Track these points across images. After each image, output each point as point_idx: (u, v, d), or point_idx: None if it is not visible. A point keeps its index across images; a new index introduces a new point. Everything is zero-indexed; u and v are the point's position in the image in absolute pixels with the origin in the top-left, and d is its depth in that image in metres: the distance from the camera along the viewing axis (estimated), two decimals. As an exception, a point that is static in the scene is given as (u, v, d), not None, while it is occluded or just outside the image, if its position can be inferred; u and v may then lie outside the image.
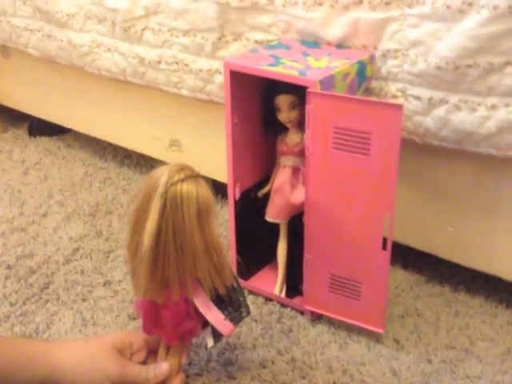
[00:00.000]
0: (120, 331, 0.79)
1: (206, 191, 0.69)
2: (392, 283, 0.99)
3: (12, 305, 0.95)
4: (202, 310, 0.74)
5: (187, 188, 0.67)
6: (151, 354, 0.79)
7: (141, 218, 0.68)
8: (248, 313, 0.78)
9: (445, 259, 0.96)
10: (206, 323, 0.77)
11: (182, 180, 0.67)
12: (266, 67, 0.82)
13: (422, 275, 1.02)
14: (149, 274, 0.69)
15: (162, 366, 0.76)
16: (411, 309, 0.94)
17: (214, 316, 0.75)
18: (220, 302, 0.76)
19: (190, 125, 1.19)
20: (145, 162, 1.43)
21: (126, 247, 0.72)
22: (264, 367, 0.83)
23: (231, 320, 0.76)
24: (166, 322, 0.74)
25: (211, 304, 0.75)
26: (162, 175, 0.67)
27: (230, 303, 0.76)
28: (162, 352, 0.78)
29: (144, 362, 0.78)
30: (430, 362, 0.84)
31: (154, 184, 0.67)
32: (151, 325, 0.76)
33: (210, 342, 0.78)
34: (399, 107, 0.73)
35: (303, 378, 0.81)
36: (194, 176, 0.69)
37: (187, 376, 0.80)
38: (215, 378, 0.81)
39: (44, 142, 1.56)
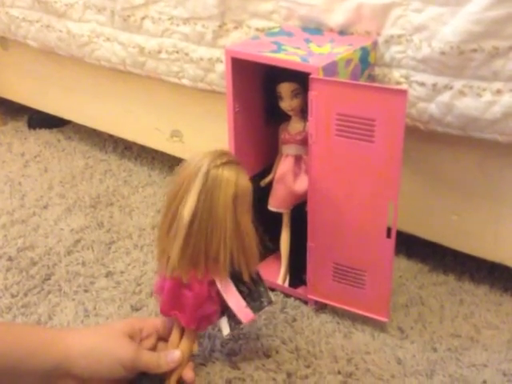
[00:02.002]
0: (130, 318, 0.79)
1: (245, 178, 0.72)
2: (396, 272, 0.98)
3: (13, 296, 0.94)
4: (225, 294, 0.75)
5: (228, 172, 0.71)
6: (161, 341, 0.79)
7: (179, 199, 0.71)
8: (269, 302, 0.78)
9: (449, 248, 0.96)
10: (222, 313, 0.77)
11: (224, 164, 0.71)
12: (268, 54, 0.81)
13: (425, 264, 1.01)
14: (181, 248, 0.71)
15: (175, 354, 0.76)
16: (415, 298, 0.93)
17: (236, 302, 0.76)
18: (240, 292, 0.76)
19: (191, 115, 1.18)
20: (145, 154, 1.42)
21: (158, 227, 0.75)
22: (268, 357, 0.82)
23: (251, 308, 0.76)
24: (187, 303, 0.74)
25: (234, 289, 0.76)
26: (204, 158, 0.71)
27: (250, 294, 0.77)
28: (174, 338, 0.78)
29: (153, 349, 0.78)
30: (435, 350, 0.83)
31: (195, 165, 0.71)
32: (171, 306, 0.76)
33: (226, 330, 0.78)
34: (404, 93, 0.72)
35: (307, 367, 0.80)
36: (235, 162, 0.73)
37: (191, 366, 0.80)
38: (219, 367, 0.80)
39: (44, 134, 1.55)
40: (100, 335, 0.74)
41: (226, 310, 0.77)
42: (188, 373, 0.77)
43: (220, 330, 0.79)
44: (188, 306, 0.75)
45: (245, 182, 0.72)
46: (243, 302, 0.76)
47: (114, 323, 0.78)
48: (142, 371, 0.74)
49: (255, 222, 0.75)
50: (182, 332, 0.78)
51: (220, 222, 0.71)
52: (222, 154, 0.72)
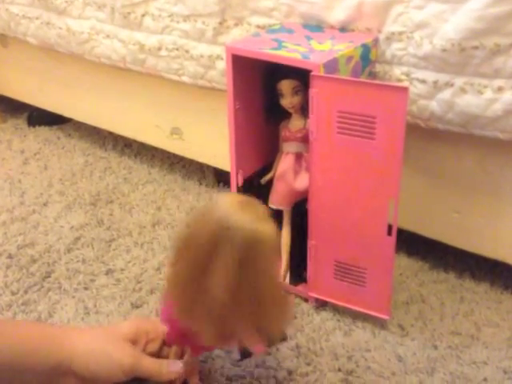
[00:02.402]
0: (137, 318, 0.77)
1: (270, 226, 0.59)
2: (396, 270, 0.98)
3: (14, 294, 0.94)
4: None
5: (265, 232, 0.58)
6: (165, 345, 0.78)
7: (200, 258, 0.60)
8: (284, 339, 0.76)
9: (449, 246, 0.96)
10: None
11: (256, 223, 0.58)
12: (268, 51, 0.81)
13: (426, 262, 1.01)
14: (215, 327, 0.63)
15: (177, 364, 0.74)
16: (416, 295, 0.93)
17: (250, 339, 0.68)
18: None
19: (191, 113, 1.18)
20: (145, 151, 1.42)
21: (171, 271, 0.65)
22: (268, 354, 0.82)
23: (264, 342, 0.69)
24: (198, 343, 0.69)
25: None
26: (230, 216, 0.58)
27: None
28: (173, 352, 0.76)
29: (158, 353, 0.76)
30: (435, 347, 0.83)
31: (221, 224, 0.58)
32: (177, 341, 0.74)
33: (237, 356, 0.76)
34: (405, 90, 0.72)
35: (308, 364, 0.80)
36: (265, 216, 0.60)
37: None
38: (220, 365, 0.80)
39: (44, 131, 1.55)
40: (103, 339, 0.73)
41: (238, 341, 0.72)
42: (194, 379, 0.76)
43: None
44: (198, 345, 0.70)
45: (271, 232, 0.59)
46: (256, 337, 0.68)
47: (120, 325, 0.76)
48: (143, 377, 0.74)
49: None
50: None
51: (266, 290, 0.60)
52: (250, 206, 0.60)
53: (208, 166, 1.19)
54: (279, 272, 0.64)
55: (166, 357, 0.76)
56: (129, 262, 1.02)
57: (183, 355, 0.76)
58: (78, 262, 1.02)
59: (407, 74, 0.84)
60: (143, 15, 1.09)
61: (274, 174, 0.94)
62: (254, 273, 0.58)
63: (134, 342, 0.74)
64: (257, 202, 0.60)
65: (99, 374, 0.71)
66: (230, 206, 0.58)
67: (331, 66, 0.78)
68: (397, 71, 0.85)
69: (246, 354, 0.75)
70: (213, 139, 1.16)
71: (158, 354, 0.76)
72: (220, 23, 1.00)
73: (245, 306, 0.60)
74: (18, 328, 0.70)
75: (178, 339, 0.74)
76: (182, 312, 0.66)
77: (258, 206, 0.60)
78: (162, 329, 0.77)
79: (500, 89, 0.76)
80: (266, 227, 0.58)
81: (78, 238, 1.08)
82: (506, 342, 0.84)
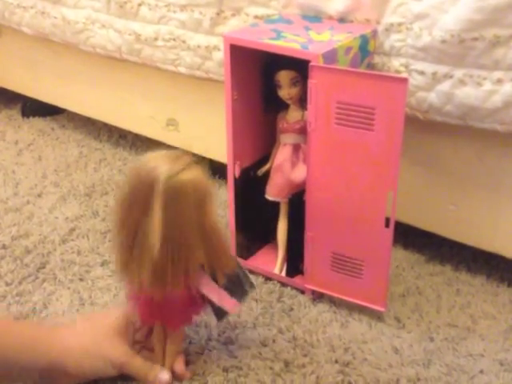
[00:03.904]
0: (122, 309, 0.77)
1: (204, 179, 0.66)
2: (393, 263, 0.98)
3: (8, 284, 0.93)
4: (206, 292, 0.72)
5: (186, 179, 0.64)
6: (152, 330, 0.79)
7: (135, 213, 0.65)
8: (251, 287, 0.77)
9: (446, 238, 0.96)
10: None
11: (179, 172, 0.64)
12: (267, 41, 0.81)
13: (422, 255, 1.01)
14: (152, 271, 0.66)
15: (164, 375, 0.75)
16: (412, 288, 0.93)
17: (219, 296, 0.73)
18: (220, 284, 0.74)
19: (188, 104, 1.17)
20: (141, 143, 1.41)
21: (114, 241, 0.69)
22: (265, 345, 0.82)
23: (236, 298, 0.75)
24: (170, 313, 0.72)
25: (214, 284, 0.72)
26: (156, 168, 0.64)
27: (230, 283, 0.75)
28: (158, 330, 0.76)
29: (145, 339, 0.78)
30: (431, 340, 0.83)
31: (150, 175, 0.64)
32: (151, 315, 0.74)
33: (214, 321, 0.77)
34: (404, 81, 0.72)
35: (305, 356, 0.80)
36: (189, 164, 0.66)
37: (188, 355, 0.79)
38: (216, 356, 0.80)
39: (38, 122, 1.53)
40: (94, 336, 0.73)
41: (209, 303, 0.75)
42: (178, 366, 0.76)
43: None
44: (171, 314, 0.72)
45: (204, 183, 0.66)
46: (226, 295, 0.74)
47: (108, 316, 0.77)
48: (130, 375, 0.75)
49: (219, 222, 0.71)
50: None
51: (191, 234, 0.66)
52: (174, 159, 0.65)
53: (204, 158, 1.18)
54: (210, 213, 0.67)
55: (151, 346, 0.77)
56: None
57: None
58: (72, 253, 1.01)
59: (406, 66, 0.84)
60: (139, 5, 1.08)
61: (271, 165, 0.94)
62: (179, 216, 0.64)
63: (122, 333, 0.75)
64: (182, 153, 0.66)
65: (92, 372, 0.73)
66: (155, 161, 0.64)
67: (330, 56, 0.78)
68: (395, 63, 0.85)
69: (221, 313, 0.76)
70: (209, 131, 1.15)
71: (144, 342, 0.78)
72: (217, 13, 0.99)
73: (176, 247, 0.65)
74: (7, 328, 0.71)
75: (151, 317, 0.74)
76: (120, 256, 0.68)
77: (183, 157, 0.65)
78: None
79: (499, 80, 0.76)
80: (188, 174, 0.64)
81: (72, 229, 1.08)
82: (502, 335, 0.84)
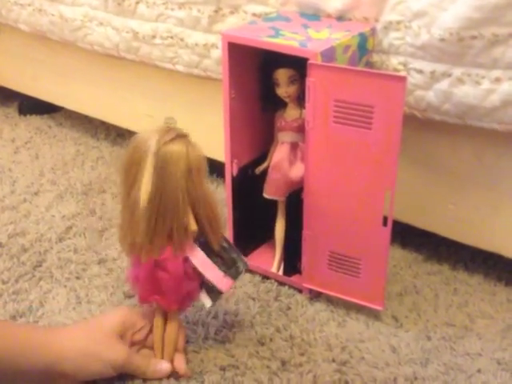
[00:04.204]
0: (121, 312, 0.77)
1: (195, 149, 0.72)
2: (390, 262, 0.98)
3: (4, 283, 0.93)
4: (200, 267, 0.74)
5: (178, 147, 0.70)
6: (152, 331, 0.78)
7: (132, 181, 0.71)
8: (245, 266, 0.78)
9: (444, 237, 0.95)
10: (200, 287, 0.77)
11: (172, 139, 0.70)
12: (265, 39, 0.80)
13: (420, 254, 1.01)
14: (146, 229, 0.71)
15: (163, 365, 0.76)
16: (410, 287, 0.93)
17: (213, 273, 0.75)
18: (214, 262, 0.76)
19: (186, 102, 1.17)
20: (138, 141, 1.40)
21: (120, 213, 0.74)
22: (262, 344, 0.82)
23: (229, 276, 0.76)
24: (166, 285, 0.73)
25: (208, 261, 0.75)
26: (151, 137, 0.70)
27: (224, 262, 0.76)
28: (158, 323, 0.77)
29: (144, 340, 0.77)
30: (429, 339, 0.83)
31: (144, 145, 0.70)
32: (149, 292, 0.75)
33: (208, 303, 0.77)
34: (403, 79, 0.72)
35: (302, 354, 0.80)
36: (183, 135, 0.72)
37: (185, 353, 0.79)
38: (213, 355, 0.80)
39: (35, 120, 1.53)
40: (91, 338, 0.73)
41: (203, 284, 0.76)
42: (179, 364, 0.77)
43: (203, 305, 0.78)
44: (167, 287, 0.74)
45: (196, 154, 0.71)
46: (220, 272, 0.76)
47: (106, 319, 0.76)
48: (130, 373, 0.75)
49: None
50: (165, 316, 0.77)
51: (182, 198, 0.71)
52: (169, 129, 0.72)
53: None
54: (202, 182, 0.73)
55: (151, 345, 0.78)
56: (121, 251, 1.01)
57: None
58: (69, 251, 1.01)
59: (404, 64, 0.83)
60: (137, 2, 1.08)
61: (269, 163, 0.93)
62: (169, 179, 0.70)
63: (121, 335, 0.74)
64: (174, 127, 0.73)
65: (91, 374, 0.72)
66: (154, 131, 0.71)
67: (328, 54, 0.78)
68: (394, 61, 0.84)
69: (214, 295, 0.77)
70: (207, 129, 1.14)
71: (143, 342, 0.77)
72: (215, 11, 0.99)
73: (164, 208, 0.70)
74: (3, 331, 0.70)
75: (149, 294, 0.75)
76: (122, 225, 0.74)
77: (174, 129, 0.72)
78: (148, 315, 0.78)
79: (498, 79, 0.76)
80: (177, 145, 0.70)
81: (69, 228, 1.07)
82: (499, 334, 0.84)
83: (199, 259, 0.75)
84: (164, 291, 0.74)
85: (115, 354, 0.72)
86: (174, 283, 0.74)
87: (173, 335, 0.77)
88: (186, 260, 0.74)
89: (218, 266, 0.76)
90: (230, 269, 0.77)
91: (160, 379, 0.76)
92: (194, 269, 0.75)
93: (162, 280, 0.73)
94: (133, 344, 0.76)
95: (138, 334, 0.77)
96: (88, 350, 0.72)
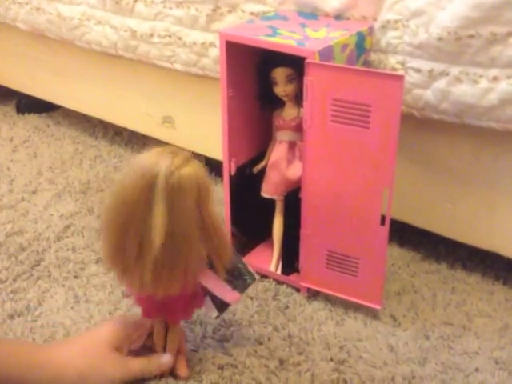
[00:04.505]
0: (114, 325, 0.75)
1: (201, 172, 0.66)
2: (388, 261, 0.98)
3: (2, 282, 0.93)
4: (208, 285, 0.73)
5: (186, 174, 0.64)
6: (150, 335, 0.78)
7: (138, 212, 0.64)
8: (253, 279, 0.77)
9: (442, 236, 0.95)
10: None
11: (179, 167, 0.64)
12: (263, 38, 0.80)
13: (418, 253, 1.01)
14: (153, 271, 0.65)
15: (164, 358, 0.75)
16: (408, 286, 0.93)
17: (220, 289, 0.74)
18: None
19: (184, 101, 1.17)
20: (136, 140, 1.40)
21: (109, 244, 0.67)
22: (260, 343, 0.82)
23: (236, 289, 0.75)
24: (174, 307, 0.72)
25: (215, 277, 0.73)
26: (155, 165, 0.63)
27: (231, 275, 0.75)
28: (159, 328, 0.76)
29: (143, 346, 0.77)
30: (427, 338, 0.83)
31: (148, 174, 0.63)
32: (154, 312, 0.74)
33: (214, 313, 0.77)
34: (400, 78, 0.72)
35: (300, 354, 0.80)
36: (188, 159, 0.65)
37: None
38: (211, 354, 0.80)
39: (33, 119, 1.52)
40: (88, 357, 0.71)
41: (209, 294, 0.75)
42: (181, 368, 0.76)
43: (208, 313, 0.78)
44: (174, 308, 0.73)
45: (204, 178, 0.66)
46: (227, 287, 0.75)
47: (100, 334, 0.74)
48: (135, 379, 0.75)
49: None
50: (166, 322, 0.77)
51: (194, 230, 0.65)
52: (172, 155, 0.64)
53: (200, 155, 1.18)
54: (210, 206, 0.67)
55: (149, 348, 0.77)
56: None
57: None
58: (67, 250, 1.01)
59: (402, 63, 0.83)
60: (135, 1, 1.08)
61: (267, 162, 0.93)
62: (181, 212, 0.63)
63: (117, 348, 0.73)
64: (178, 148, 0.66)
65: None
66: (154, 157, 0.64)
67: (326, 53, 0.77)
68: (392, 60, 0.84)
69: (221, 306, 0.76)
70: (205, 128, 1.15)
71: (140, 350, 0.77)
72: (213, 10, 0.99)
73: (178, 245, 0.64)
74: (10, 348, 0.70)
75: (153, 313, 0.74)
76: (118, 258, 0.67)
77: (181, 152, 0.65)
78: (144, 324, 0.77)
79: (495, 78, 0.76)
80: (188, 169, 0.64)
81: (67, 227, 1.07)
82: (497, 333, 0.84)
83: (208, 279, 0.72)
84: (171, 311, 0.73)
85: (113, 368, 0.72)
86: (182, 305, 0.73)
87: (175, 339, 0.76)
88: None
89: (226, 280, 0.74)
90: (237, 281, 0.76)
91: (159, 379, 0.76)
92: (202, 287, 0.73)
93: (169, 303, 0.71)
94: (130, 354, 0.76)
95: (134, 343, 0.76)
96: (86, 372, 0.71)
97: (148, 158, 0.64)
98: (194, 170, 0.65)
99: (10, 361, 0.68)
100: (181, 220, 0.64)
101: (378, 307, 0.85)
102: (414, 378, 0.77)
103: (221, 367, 0.78)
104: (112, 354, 0.72)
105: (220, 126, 0.89)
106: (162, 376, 0.76)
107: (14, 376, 0.67)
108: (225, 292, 0.74)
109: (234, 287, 0.75)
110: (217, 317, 0.78)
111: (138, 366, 0.74)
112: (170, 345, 0.76)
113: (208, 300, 0.76)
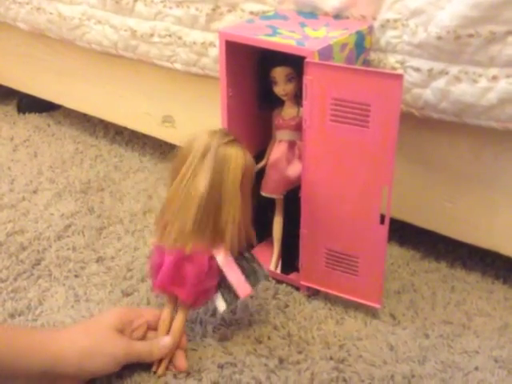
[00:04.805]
0: (118, 310, 0.79)
1: (249, 155, 0.78)
2: (388, 259, 0.98)
3: (3, 281, 0.93)
4: (225, 268, 0.77)
5: (235, 149, 0.76)
6: (150, 330, 0.79)
7: (188, 176, 0.75)
8: (265, 276, 0.80)
9: (442, 235, 0.95)
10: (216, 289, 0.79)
11: (231, 142, 0.76)
12: (263, 37, 0.80)
13: (417, 251, 1.02)
14: (194, 219, 0.74)
15: (166, 340, 0.77)
16: (407, 285, 0.93)
17: (236, 276, 0.77)
18: (239, 266, 0.78)
19: (184, 100, 1.17)
20: (137, 139, 1.41)
21: (165, 203, 0.78)
22: (260, 342, 0.82)
23: (249, 283, 0.78)
24: (189, 276, 0.76)
25: (234, 263, 0.77)
26: (210, 137, 0.76)
27: (246, 269, 0.78)
28: (165, 316, 0.78)
29: (143, 338, 0.78)
30: (427, 336, 0.83)
31: (202, 145, 0.75)
32: (169, 281, 0.76)
33: (223, 306, 0.78)
34: (399, 77, 0.72)
35: (300, 352, 0.80)
36: (238, 141, 0.78)
37: (183, 351, 0.79)
38: (211, 353, 0.80)
39: (33, 118, 1.53)
40: (90, 335, 0.73)
41: (220, 287, 0.78)
42: (179, 361, 0.77)
43: (216, 307, 0.79)
44: (189, 279, 0.76)
45: (250, 159, 0.77)
46: (243, 277, 0.78)
47: (103, 317, 0.77)
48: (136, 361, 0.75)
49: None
50: (173, 312, 0.79)
51: (230, 197, 0.75)
52: (226, 133, 0.77)
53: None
54: (249, 188, 0.79)
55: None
56: (119, 249, 1.01)
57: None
58: (68, 249, 1.01)
59: (402, 63, 0.83)
60: (135, 1, 1.08)
61: (267, 161, 0.94)
62: (224, 179, 0.75)
63: (120, 331, 0.75)
64: (233, 134, 0.79)
65: (93, 370, 0.72)
66: (209, 134, 0.77)
67: (326, 53, 0.78)
68: (391, 59, 0.84)
69: (230, 300, 0.78)
70: (205, 127, 1.14)
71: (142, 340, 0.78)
72: (213, 9, 0.99)
73: (216, 205, 0.75)
74: (5, 334, 0.70)
75: (170, 281, 0.77)
76: (165, 213, 0.77)
77: (228, 134, 0.78)
78: (145, 315, 0.78)
79: (495, 77, 0.76)
80: (233, 148, 0.76)
81: (68, 226, 1.07)
82: (497, 332, 0.84)
83: (225, 259, 0.76)
84: (184, 282, 0.76)
85: (116, 347, 0.73)
86: (197, 276, 0.75)
87: (180, 327, 0.78)
88: (212, 258, 0.76)
89: (242, 270, 0.78)
90: (250, 276, 0.78)
91: (159, 377, 0.76)
92: (218, 268, 0.76)
93: (186, 271, 0.76)
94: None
95: (135, 332, 0.77)
96: (88, 349, 0.72)
97: (202, 134, 0.77)
98: (241, 151, 0.76)
99: (8, 343, 0.68)
100: (222, 185, 0.75)
101: (377, 306, 0.86)
102: (413, 376, 0.77)
103: (220, 366, 0.78)
104: (114, 334, 0.73)
105: (220, 126, 0.90)
106: (160, 361, 0.77)
107: (11, 358, 0.67)
108: (239, 282, 0.77)
109: (249, 282, 0.78)
110: (225, 311, 0.79)
111: (140, 347, 0.75)
112: (174, 329, 0.78)
113: (218, 295, 0.78)
